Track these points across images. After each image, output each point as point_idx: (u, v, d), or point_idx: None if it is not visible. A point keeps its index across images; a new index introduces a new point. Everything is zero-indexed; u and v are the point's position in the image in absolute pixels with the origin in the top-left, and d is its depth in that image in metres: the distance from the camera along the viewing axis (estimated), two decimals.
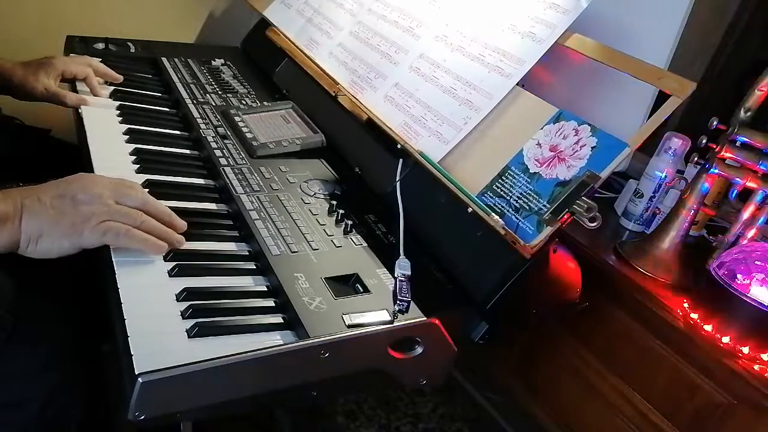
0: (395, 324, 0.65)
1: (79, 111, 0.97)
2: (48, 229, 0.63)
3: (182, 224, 0.72)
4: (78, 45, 1.20)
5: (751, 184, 0.83)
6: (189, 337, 0.59)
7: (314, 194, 0.87)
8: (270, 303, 0.67)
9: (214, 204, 0.84)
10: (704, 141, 0.84)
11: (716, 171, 0.84)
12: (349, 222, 0.81)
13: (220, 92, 1.16)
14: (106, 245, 0.67)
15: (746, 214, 0.87)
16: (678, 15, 0.97)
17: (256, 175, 0.88)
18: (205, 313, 0.62)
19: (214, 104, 1.10)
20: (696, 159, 0.86)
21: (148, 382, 0.52)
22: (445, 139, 0.87)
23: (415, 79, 0.96)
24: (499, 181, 0.78)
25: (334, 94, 1.06)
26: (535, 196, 0.74)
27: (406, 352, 0.67)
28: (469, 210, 0.77)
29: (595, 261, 0.90)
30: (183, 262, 0.68)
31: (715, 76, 1.70)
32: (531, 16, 0.88)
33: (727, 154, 0.82)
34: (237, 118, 1.03)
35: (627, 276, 0.87)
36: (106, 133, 0.93)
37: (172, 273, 0.67)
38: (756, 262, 0.75)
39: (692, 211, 0.87)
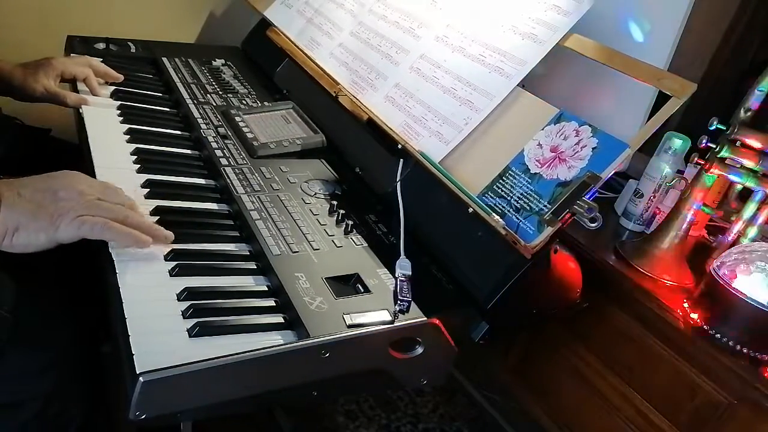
0: (396, 324, 0.65)
1: (80, 111, 0.97)
2: (25, 223, 0.62)
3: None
4: (78, 45, 1.20)
5: (751, 184, 0.84)
6: (190, 336, 0.59)
7: (315, 194, 0.87)
8: (270, 303, 0.67)
9: (214, 204, 0.84)
10: (704, 141, 0.84)
11: (716, 171, 0.84)
12: (350, 222, 0.81)
13: (220, 92, 1.16)
14: (106, 244, 0.67)
15: (746, 214, 0.87)
16: (678, 16, 0.97)
17: (256, 175, 0.88)
18: (205, 313, 0.62)
19: (214, 104, 1.10)
20: (696, 159, 0.86)
21: (149, 381, 0.52)
22: (445, 139, 0.87)
23: (415, 80, 0.96)
24: (500, 181, 0.78)
25: (334, 95, 1.06)
26: (535, 196, 0.74)
27: (406, 352, 0.67)
28: (470, 210, 0.77)
29: (595, 261, 0.90)
30: (184, 262, 0.68)
31: (715, 77, 1.69)
32: (532, 17, 0.88)
33: (727, 154, 0.82)
34: (237, 118, 1.03)
35: (627, 276, 0.87)
36: (106, 133, 0.93)
37: (172, 273, 0.67)
38: (756, 262, 0.75)
39: (692, 211, 0.87)
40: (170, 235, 0.70)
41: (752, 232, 0.87)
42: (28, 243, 0.63)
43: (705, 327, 0.77)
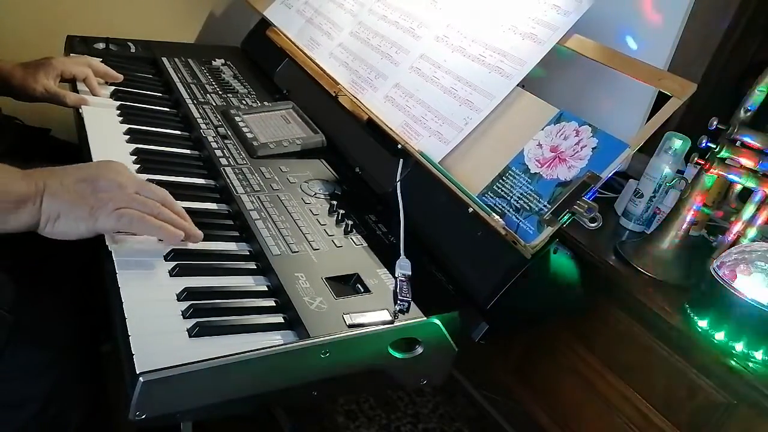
0: (395, 324, 0.65)
1: (80, 111, 0.97)
2: (66, 212, 0.64)
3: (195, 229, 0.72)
4: (78, 45, 1.20)
5: (751, 184, 0.84)
6: (190, 336, 0.59)
7: (315, 194, 0.87)
8: (270, 303, 0.67)
9: (214, 204, 0.84)
10: (704, 141, 0.84)
11: (716, 171, 0.84)
12: (350, 222, 0.81)
13: (220, 92, 1.16)
14: (106, 245, 0.67)
15: (746, 215, 0.87)
16: (678, 16, 0.97)
17: (256, 175, 0.88)
18: (205, 313, 0.62)
19: (214, 104, 1.10)
20: (696, 159, 0.86)
21: (149, 381, 0.52)
22: (445, 139, 0.87)
23: (415, 80, 0.96)
24: (500, 181, 0.78)
25: (334, 95, 1.06)
26: (535, 196, 0.74)
27: (406, 352, 0.67)
28: (470, 210, 0.77)
29: (595, 261, 0.90)
30: (184, 262, 0.68)
31: (715, 77, 1.70)
32: (532, 17, 0.88)
33: (727, 154, 0.82)
34: (237, 118, 1.03)
35: (627, 276, 0.86)
36: (106, 133, 0.93)
37: (172, 273, 0.67)
38: (756, 262, 0.75)
39: (692, 211, 0.87)
40: (199, 234, 0.71)
41: (752, 232, 0.87)
42: (68, 231, 0.65)
43: (705, 327, 0.77)
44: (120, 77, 1.09)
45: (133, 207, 0.67)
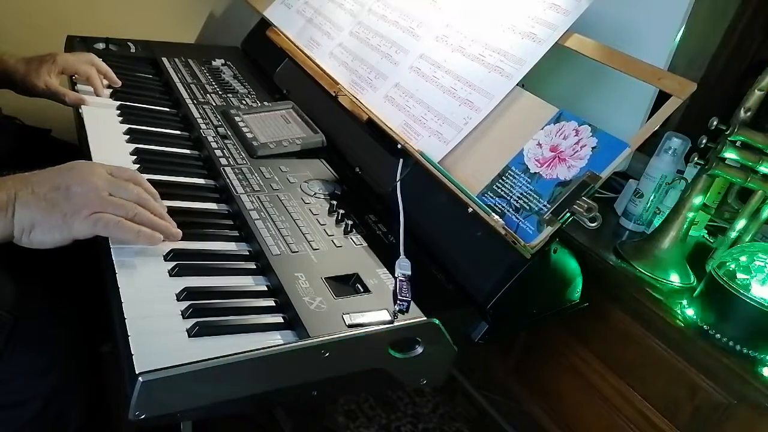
0: (395, 324, 0.65)
1: (80, 111, 0.97)
2: (39, 221, 0.63)
3: (173, 226, 0.71)
4: (78, 45, 1.20)
5: (751, 184, 0.83)
6: (189, 336, 0.59)
7: (314, 194, 0.87)
8: (270, 303, 0.67)
9: (214, 204, 0.84)
10: (704, 141, 0.84)
11: (716, 171, 0.84)
12: (350, 222, 0.81)
13: (220, 92, 1.16)
14: (107, 244, 0.67)
15: (746, 214, 0.87)
16: (678, 15, 0.97)
17: (256, 175, 0.88)
18: (205, 313, 0.62)
19: (214, 104, 1.10)
20: (696, 159, 0.86)
21: (149, 381, 0.52)
22: (445, 139, 0.87)
23: (415, 79, 0.96)
24: (500, 181, 0.78)
25: (334, 94, 1.06)
26: (535, 196, 0.74)
27: (406, 352, 0.67)
28: (470, 210, 0.77)
29: (595, 261, 0.90)
30: (183, 262, 0.68)
31: (715, 76, 1.69)
32: (531, 16, 0.88)
33: (727, 154, 0.82)
34: (237, 118, 1.03)
35: (627, 276, 0.87)
36: (106, 133, 0.93)
37: (172, 273, 0.67)
38: (756, 263, 0.75)
39: (692, 211, 0.87)
40: (178, 232, 0.70)
41: (752, 232, 0.87)
42: (44, 240, 0.64)
43: (705, 327, 0.77)
44: (119, 83, 1.09)
45: (107, 210, 0.65)
